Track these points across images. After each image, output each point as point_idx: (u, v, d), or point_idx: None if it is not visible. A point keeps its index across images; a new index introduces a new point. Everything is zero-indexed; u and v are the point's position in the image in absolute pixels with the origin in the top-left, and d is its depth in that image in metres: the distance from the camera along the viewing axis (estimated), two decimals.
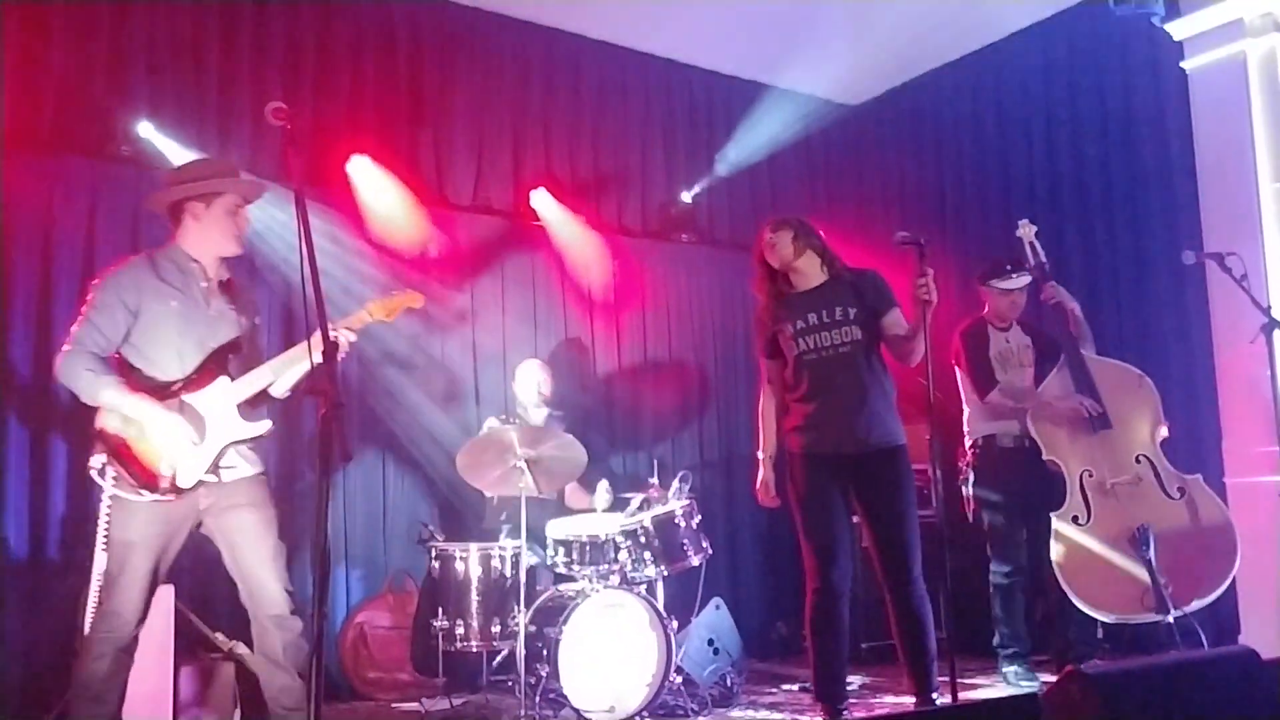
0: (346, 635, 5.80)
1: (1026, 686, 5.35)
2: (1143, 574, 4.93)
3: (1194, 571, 4.95)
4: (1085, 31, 6.76)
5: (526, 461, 5.04)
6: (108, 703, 3.80)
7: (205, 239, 3.98)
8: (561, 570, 5.32)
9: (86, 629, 3.91)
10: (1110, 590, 5.01)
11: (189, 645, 4.96)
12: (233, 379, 3.92)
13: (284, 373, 4.01)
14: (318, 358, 3.76)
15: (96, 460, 3.76)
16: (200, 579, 5.28)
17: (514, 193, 6.86)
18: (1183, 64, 6.12)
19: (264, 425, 3.99)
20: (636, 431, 7.20)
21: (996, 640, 5.62)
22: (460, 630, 5.17)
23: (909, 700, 4.47)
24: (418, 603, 5.61)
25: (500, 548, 5.26)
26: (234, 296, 4.07)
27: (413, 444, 6.35)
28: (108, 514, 3.86)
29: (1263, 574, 5.23)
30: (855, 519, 4.53)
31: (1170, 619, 4.87)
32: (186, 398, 3.84)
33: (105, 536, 3.88)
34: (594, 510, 5.60)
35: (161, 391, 3.82)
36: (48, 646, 5.03)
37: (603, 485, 5.65)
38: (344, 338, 3.93)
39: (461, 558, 5.25)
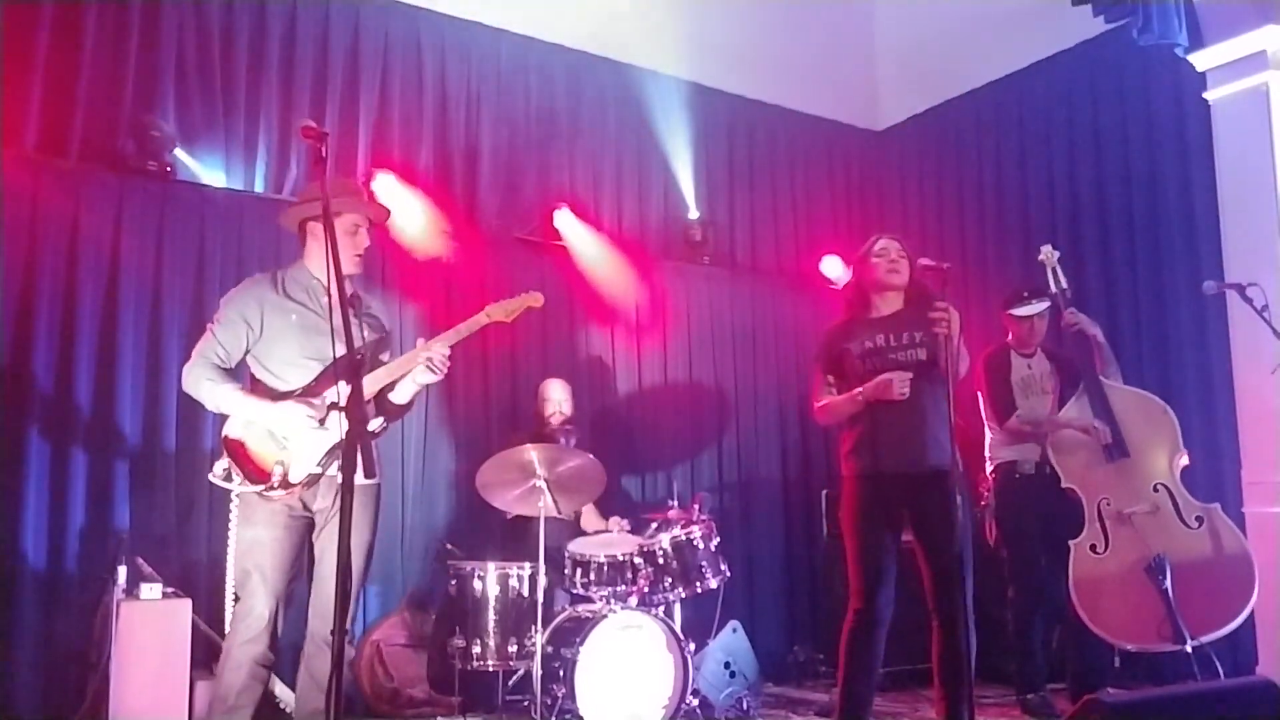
0: (363, 652, 5.79)
1: (1044, 714, 5.32)
2: (1159, 603, 4.91)
3: (1212, 602, 4.92)
4: (1108, 61, 6.77)
5: (546, 481, 5.06)
6: (242, 717, 3.88)
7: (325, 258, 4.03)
8: (579, 591, 5.33)
9: (225, 639, 4.02)
10: (1127, 619, 4.99)
11: (204, 659, 4.99)
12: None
13: (399, 375, 4.07)
14: (422, 377, 4.02)
15: (219, 466, 3.95)
16: (216, 593, 5.33)
17: (537, 212, 6.90)
18: (1205, 95, 6.13)
19: (376, 422, 4.06)
20: (655, 452, 7.19)
21: (1014, 667, 5.60)
22: (477, 649, 5.18)
23: None
24: (434, 621, 5.63)
25: (519, 567, 5.27)
26: (357, 311, 4.13)
27: (431, 461, 6.37)
28: (235, 515, 4.12)
29: None
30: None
31: (1188, 649, 4.85)
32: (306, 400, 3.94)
33: (235, 539, 4.13)
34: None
35: (280, 399, 3.95)
36: (65, 658, 5.07)
37: (615, 520, 5.69)
38: (440, 354, 4.01)
39: (479, 577, 5.27)
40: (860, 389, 4.36)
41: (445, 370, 4.06)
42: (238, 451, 3.93)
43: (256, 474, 3.90)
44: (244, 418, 3.95)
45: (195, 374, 4.00)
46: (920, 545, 4.39)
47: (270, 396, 3.97)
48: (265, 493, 3.90)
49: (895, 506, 4.40)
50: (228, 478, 3.93)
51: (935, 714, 4.38)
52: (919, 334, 4.37)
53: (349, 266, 4.11)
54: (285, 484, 3.89)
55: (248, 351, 4.06)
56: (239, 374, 4.10)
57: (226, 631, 4.05)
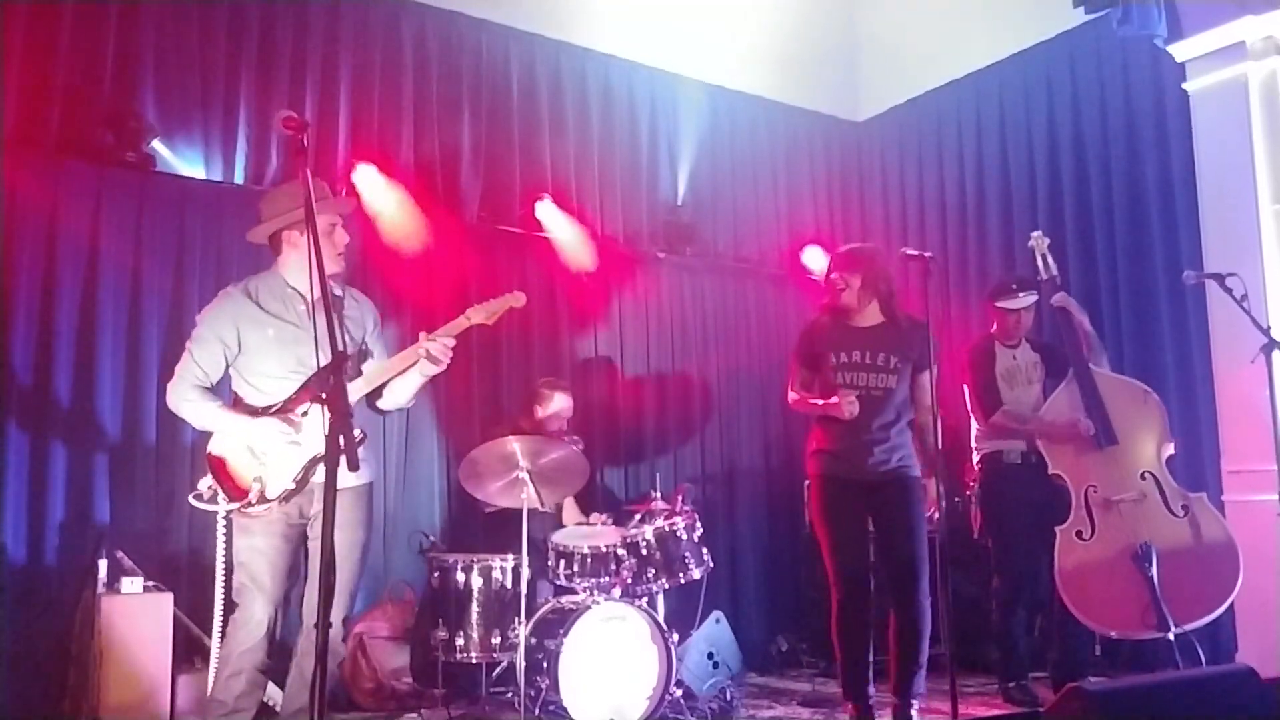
0: (345, 645, 5.77)
1: (1026, 703, 5.34)
2: (1144, 591, 4.93)
3: (1196, 590, 4.96)
4: (1088, 52, 6.79)
5: (529, 473, 5.04)
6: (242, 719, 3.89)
7: (306, 265, 3.90)
8: (562, 582, 5.32)
9: (220, 646, 4.04)
10: (1112, 606, 5.01)
11: (186, 654, 4.96)
12: None
13: (397, 372, 4.06)
14: (427, 369, 3.99)
15: (203, 485, 3.94)
16: (199, 588, 5.28)
17: (518, 204, 6.86)
18: (1185, 85, 6.15)
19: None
20: (638, 444, 7.19)
21: (996, 656, 5.61)
22: (460, 641, 5.17)
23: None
24: (417, 613, 5.60)
25: (502, 559, 5.26)
26: (340, 315, 4.07)
27: (414, 454, 6.34)
28: (226, 531, 4.12)
29: (1260, 592, 5.21)
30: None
31: (1171, 636, 4.87)
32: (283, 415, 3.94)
33: (226, 552, 4.13)
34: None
35: (261, 414, 3.96)
36: (45, 652, 5.02)
37: (596, 516, 5.70)
38: (441, 345, 3.98)
39: (462, 569, 5.25)
40: (821, 402, 4.60)
41: (448, 359, 4.02)
42: (219, 468, 3.93)
43: (235, 491, 3.90)
44: (226, 434, 3.96)
45: (176, 394, 4.03)
46: (877, 537, 4.69)
47: (252, 410, 3.97)
48: (243, 510, 3.89)
49: (858, 505, 4.65)
50: (213, 498, 3.93)
51: (889, 688, 4.55)
52: (894, 359, 4.62)
53: (332, 266, 4.07)
54: (262, 499, 3.89)
55: (229, 367, 4.06)
56: (223, 387, 4.10)
57: (216, 633, 4.03)
